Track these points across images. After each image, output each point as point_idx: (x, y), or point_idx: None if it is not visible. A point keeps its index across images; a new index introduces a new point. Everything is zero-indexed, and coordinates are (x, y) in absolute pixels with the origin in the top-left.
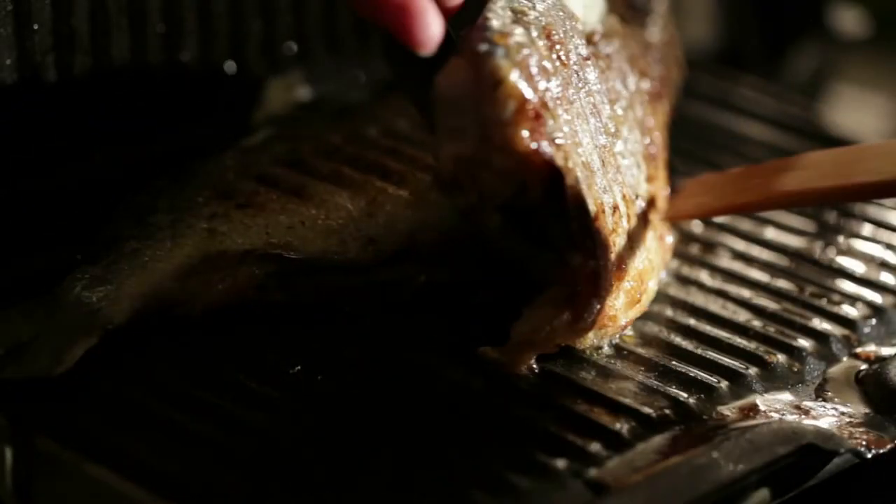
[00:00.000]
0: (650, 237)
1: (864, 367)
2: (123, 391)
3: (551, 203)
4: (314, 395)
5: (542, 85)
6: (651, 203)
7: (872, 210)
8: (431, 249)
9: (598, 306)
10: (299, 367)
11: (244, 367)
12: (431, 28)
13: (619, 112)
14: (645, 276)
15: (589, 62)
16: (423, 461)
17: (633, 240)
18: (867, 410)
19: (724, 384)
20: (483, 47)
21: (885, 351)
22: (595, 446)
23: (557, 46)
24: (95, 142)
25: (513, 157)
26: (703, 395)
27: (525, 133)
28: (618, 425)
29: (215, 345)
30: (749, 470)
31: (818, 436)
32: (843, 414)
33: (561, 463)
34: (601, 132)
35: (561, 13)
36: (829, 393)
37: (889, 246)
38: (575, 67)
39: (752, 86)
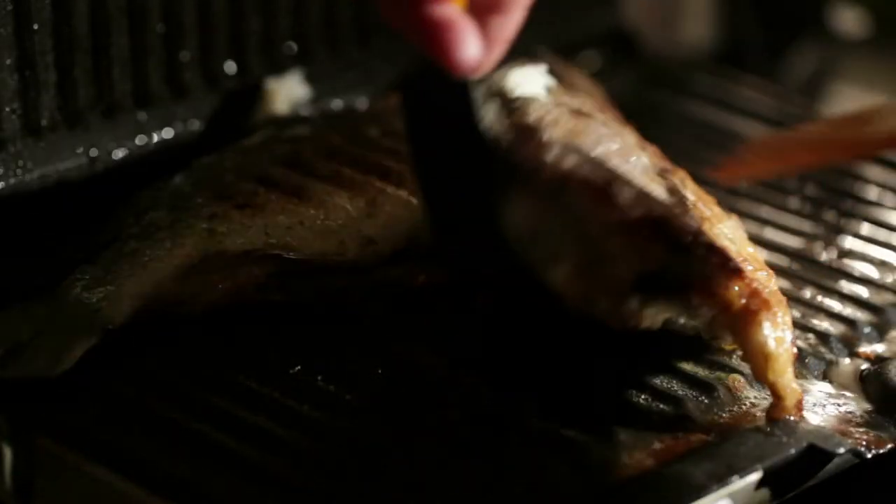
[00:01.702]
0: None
1: (864, 367)
2: (123, 391)
3: (673, 247)
4: (314, 395)
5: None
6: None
7: (872, 210)
8: (431, 249)
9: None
10: (299, 367)
11: (244, 367)
12: (471, 49)
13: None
14: (745, 250)
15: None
16: (426, 462)
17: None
18: (867, 410)
19: (724, 384)
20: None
21: (885, 351)
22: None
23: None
24: (95, 142)
25: (628, 237)
26: (703, 395)
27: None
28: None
29: (215, 345)
30: (750, 470)
31: (818, 436)
32: (842, 414)
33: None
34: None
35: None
36: (829, 393)
37: (889, 246)
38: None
39: (752, 86)
